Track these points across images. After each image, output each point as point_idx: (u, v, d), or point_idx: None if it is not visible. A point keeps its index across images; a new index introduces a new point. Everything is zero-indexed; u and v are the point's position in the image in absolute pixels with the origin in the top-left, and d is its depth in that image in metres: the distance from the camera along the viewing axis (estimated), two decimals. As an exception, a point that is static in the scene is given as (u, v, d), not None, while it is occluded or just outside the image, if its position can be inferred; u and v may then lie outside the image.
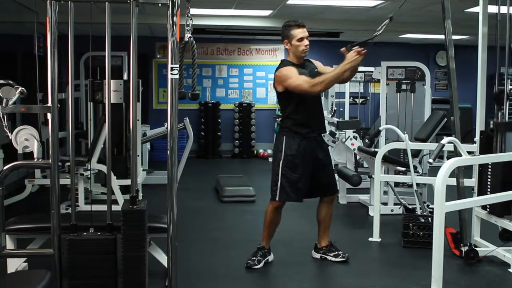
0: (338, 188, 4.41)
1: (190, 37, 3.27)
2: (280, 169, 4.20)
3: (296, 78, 4.07)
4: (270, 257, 4.43)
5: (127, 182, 5.14)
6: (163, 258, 3.79)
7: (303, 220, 5.72)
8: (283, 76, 4.13)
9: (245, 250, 4.54)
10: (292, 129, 4.21)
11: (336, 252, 4.46)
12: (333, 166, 4.42)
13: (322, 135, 4.46)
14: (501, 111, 4.42)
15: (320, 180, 4.34)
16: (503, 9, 4.34)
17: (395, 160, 5.79)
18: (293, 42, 4.16)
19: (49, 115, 3.11)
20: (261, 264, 4.32)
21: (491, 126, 4.45)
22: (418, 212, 5.14)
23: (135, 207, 3.20)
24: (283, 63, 4.25)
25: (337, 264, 4.41)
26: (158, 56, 11.07)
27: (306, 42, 4.17)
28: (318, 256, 4.52)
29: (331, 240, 4.53)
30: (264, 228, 4.40)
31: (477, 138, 4.58)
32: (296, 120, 4.21)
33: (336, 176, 6.48)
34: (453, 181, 4.40)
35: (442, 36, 4.51)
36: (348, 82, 8.52)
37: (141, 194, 5.68)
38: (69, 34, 3.11)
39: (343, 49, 4.02)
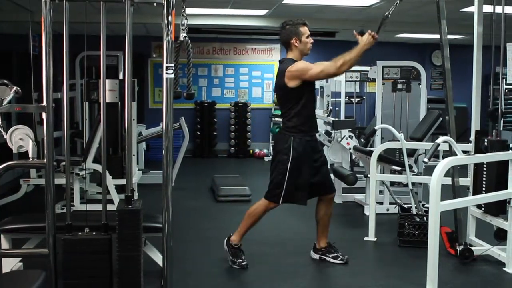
0: (335, 187, 4.40)
1: (185, 36, 3.26)
2: (287, 172, 4.13)
3: (316, 66, 4.09)
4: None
5: (123, 181, 5.14)
6: (158, 258, 3.78)
7: (299, 220, 5.72)
8: (301, 69, 4.09)
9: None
10: (300, 128, 4.15)
11: (336, 254, 4.44)
12: (328, 165, 4.42)
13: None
14: (495, 129, 4.42)
15: (318, 180, 4.29)
16: (498, 9, 4.35)
17: (390, 159, 5.80)
18: (303, 39, 4.17)
19: (44, 115, 3.10)
20: (243, 259, 4.31)
21: (485, 143, 4.42)
22: (414, 211, 5.15)
23: (130, 206, 3.19)
24: (291, 60, 4.18)
25: (333, 264, 4.41)
26: (154, 55, 11.05)
27: (311, 39, 4.24)
28: (317, 256, 4.49)
29: (329, 241, 4.52)
30: (246, 226, 4.37)
31: (472, 137, 4.59)
32: (303, 119, 4.16)
33: (332, 176, 6.53)
34: (448, 181, 4.41)
35: (438, 36, 4.52)
36: (344, 82, 8.57)
37: (137, 194, 5.67)
38: (64, 33, 3.11)
39: (355, 32, 4.03)
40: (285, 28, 4.21)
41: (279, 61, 4.36)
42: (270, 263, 4.43)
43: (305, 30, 4.18)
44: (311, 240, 4.60)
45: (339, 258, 4.41)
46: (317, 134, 4.60)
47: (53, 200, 3.15)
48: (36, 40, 7.58)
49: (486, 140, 4.42)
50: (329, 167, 4.52)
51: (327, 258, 4.44)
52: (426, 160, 3.95)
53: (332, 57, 4.08)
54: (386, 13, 4.02)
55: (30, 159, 3.25)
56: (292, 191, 4.17)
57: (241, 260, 4.30)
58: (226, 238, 4.42)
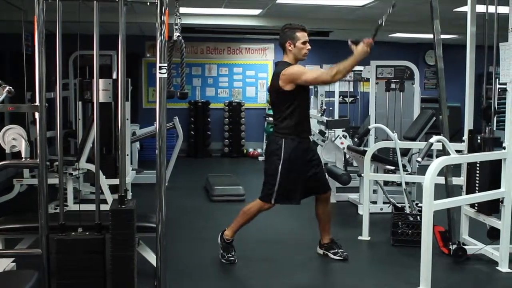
0: (330, 186, 4.45)
1: (178, 36, 3.26)
2: (278, 173, 4.19)
3: (311, 72, 4.22)
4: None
5: (116, 181, 5.13)
6: (152, 258, 3.78)
7: (293, 219, 5.73)
8: (295, 73, 4.13)
9: (236, 249, 4.53)
10: (291, 130, 4.20)
11: (336, 250, 4.50)
12: (323, 165, 4.44)
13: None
14: (488, 126, 4.43)
15: (312, 180, 4.35)
16: (491, 9, 4.37)
17: (384, 159, 5.81)
18: (297, 44, 4.20)
19: (37, 114, 3.09)
20: (232, 255, 4.37)
21: (479, 141, 4.43)
22: (407, 210, 5.16)
23: (123, 206, 3.18)
24: (286, 64, 4.22)
25: (327, 262, 4.43)
26: (148, 55, 11.03)
27: (308, 46, 4.26)
28: (321, 252, 4.58)
29: (333, 238, 4.57)
30: (239, 223, 4.43)
31: (465, 137, 4.60)
32: (296, 121, 4.20)
33: (326, 175, 6.53)
34: (441, 180, 4.42)
35: (431, 35, 4.53)
36: (338, 81, 8.58)
37: (130, 194, 5.66)
38: (57, 32, 3.10)
39: (350, 42, 4.03)
40: (283, 31, 4.27)
41: (275, 63, 4.41)
42: (266, 262, 4.43)
43: (302, 35, 4.22)
44: (307, 238, 4.62)
45: (338, 254, 4.46)
46: (312, 135, 4.63)
47: (46, 200, 3.14)
48: (29, 39, 7.55)
49: (479, 137, 4.44)
50: (323, 167, 4.53)
51: (329, 254, 4.51)
52: (419, 159, 3.96)
53: (325, 57, 4.10)
54: (380, 21, 3.99)
55: (23, 159, 3.24)
56: (284, 191, 4.23)
57: (230, 256, 4.38)
58: (220, 232, 4.50)
